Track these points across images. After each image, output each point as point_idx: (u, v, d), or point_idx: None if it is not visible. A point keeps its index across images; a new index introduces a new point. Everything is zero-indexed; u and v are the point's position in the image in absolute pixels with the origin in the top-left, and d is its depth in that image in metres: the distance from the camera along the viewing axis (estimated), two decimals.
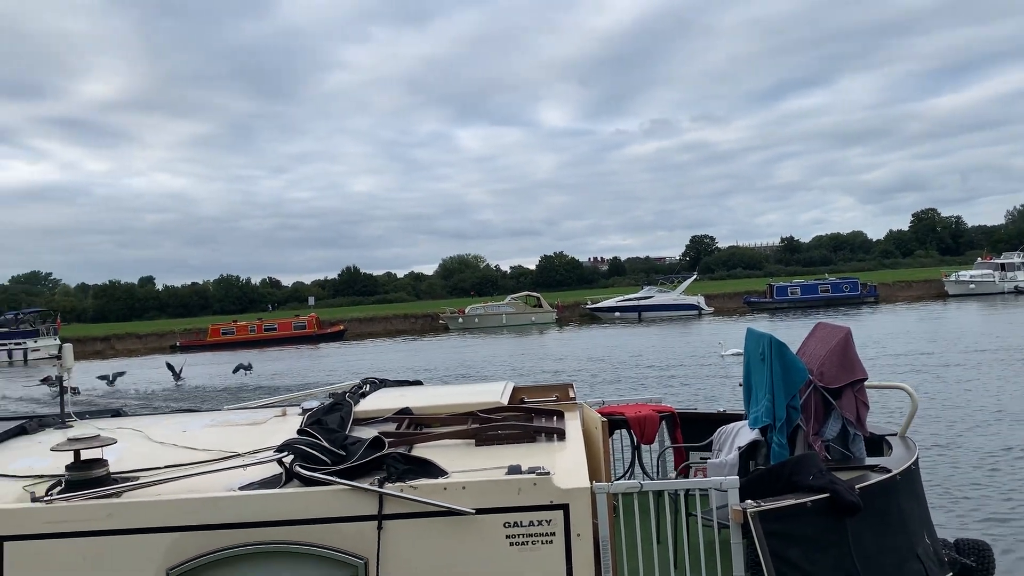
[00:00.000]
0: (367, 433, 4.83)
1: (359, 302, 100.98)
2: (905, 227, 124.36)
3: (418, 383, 7.14)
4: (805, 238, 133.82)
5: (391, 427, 5.14)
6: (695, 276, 74.44)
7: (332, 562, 3.99)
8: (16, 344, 65.67)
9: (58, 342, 67.40)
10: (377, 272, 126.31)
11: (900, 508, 4.91)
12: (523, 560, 3.99)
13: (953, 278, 67.27)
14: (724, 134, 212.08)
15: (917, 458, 5.44)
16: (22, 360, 63.68)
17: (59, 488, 4.24)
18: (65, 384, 5.96)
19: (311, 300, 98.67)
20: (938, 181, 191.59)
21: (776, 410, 5.36)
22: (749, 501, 4.34)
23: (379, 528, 4.01)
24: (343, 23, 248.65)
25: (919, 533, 5.03)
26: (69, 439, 4.32)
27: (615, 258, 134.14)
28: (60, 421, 5.82)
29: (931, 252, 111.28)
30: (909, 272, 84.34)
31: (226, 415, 6.07)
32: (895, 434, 6.06)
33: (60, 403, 5.86)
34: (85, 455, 4.30)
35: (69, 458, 4.29)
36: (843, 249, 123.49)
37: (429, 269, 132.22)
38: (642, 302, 65.65)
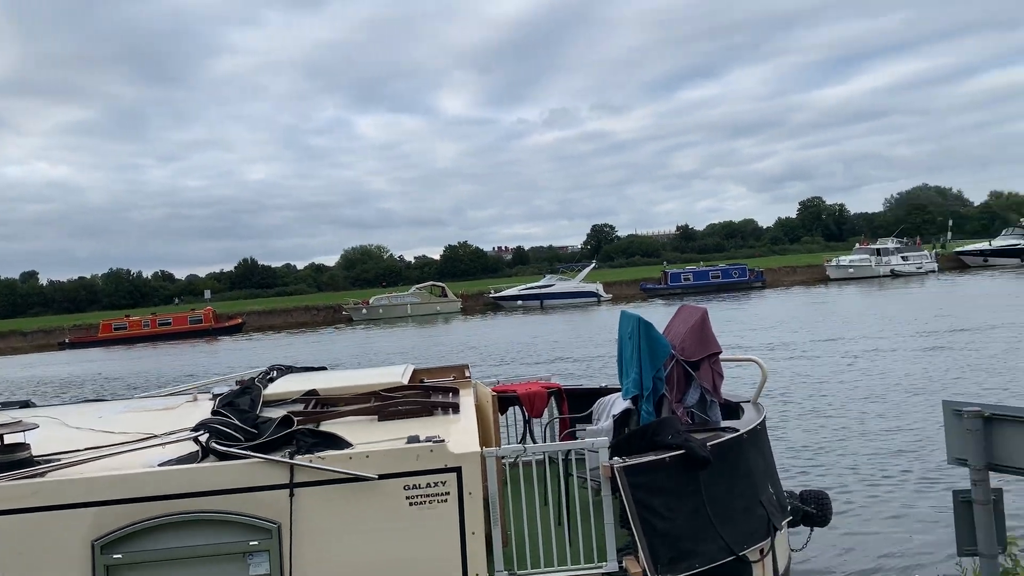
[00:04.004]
0: (277, 413, 5.28)
1: (258, 295, 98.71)
2: (793, 214, 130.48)
3: (323, 368, 7.57)
4: (700, 226, 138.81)
5: (299, 407, 5.60)
6: (594, 264, 76.38)
7: (248, 528, 4.45)
8: None
9: None
10: (276, 264, 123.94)
11: (747, 462, 5.70)
12: (422, 517, 4.56)
13: (833, 263, 71.32)
14: (622, 123, 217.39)
15: (764, 420, 6.27)
16: None
17: None
18: None
19: (207, 293, 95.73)
20: (824, 170, 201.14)
21: (644, 381, 6.08)
22: (616, 459, 5.03)
23: (291, 495, 4.50)
24: (233, 5, 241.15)
25: (764, 484, 5.84)
26: None
27: (519, 247, 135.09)
28: None
29: (817, 239, 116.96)
30: (795, 258, 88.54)
31: (139, 402, 6.37)
32: (749, 401, 6.90)
33: None
34: (8, 440, 4.60)
35: None
36: (735, 236, 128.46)
37: (331, 260, 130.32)
38: (543, 290, 66.94)
